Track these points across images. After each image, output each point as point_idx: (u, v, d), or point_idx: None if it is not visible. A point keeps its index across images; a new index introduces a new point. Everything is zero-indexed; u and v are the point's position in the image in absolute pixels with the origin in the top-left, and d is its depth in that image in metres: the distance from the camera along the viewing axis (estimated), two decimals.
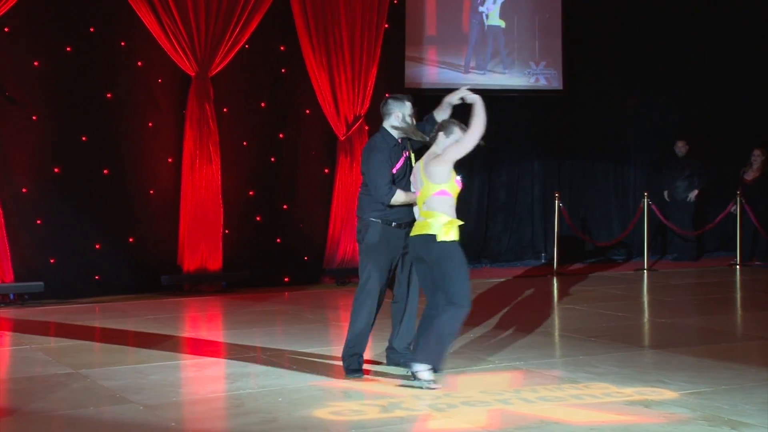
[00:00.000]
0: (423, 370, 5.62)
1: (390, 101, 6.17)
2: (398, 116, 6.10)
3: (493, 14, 12.22)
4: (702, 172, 12.68)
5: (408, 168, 6.16)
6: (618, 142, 13.11)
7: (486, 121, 5.81)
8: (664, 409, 5.19)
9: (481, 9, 12.18)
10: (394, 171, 6.05)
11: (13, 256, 9.03)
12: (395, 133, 6.13)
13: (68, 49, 9.43)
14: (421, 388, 5.60)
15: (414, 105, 6.21)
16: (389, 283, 6.15)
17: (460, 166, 5.94)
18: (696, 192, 12.64)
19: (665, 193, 12.84)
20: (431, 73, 12.03)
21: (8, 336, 7.70)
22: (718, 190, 12.70)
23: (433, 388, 5.60)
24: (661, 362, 6.44)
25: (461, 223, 5.76)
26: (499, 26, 12.25)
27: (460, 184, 5.86)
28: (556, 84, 12.58)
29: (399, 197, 5.98)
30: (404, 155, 6.15)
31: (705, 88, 13.17)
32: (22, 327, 7.96)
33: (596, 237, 12.91)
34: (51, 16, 9.35)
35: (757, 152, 12.56)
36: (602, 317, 8.34)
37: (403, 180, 6.09)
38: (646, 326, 8.22)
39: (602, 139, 13.04)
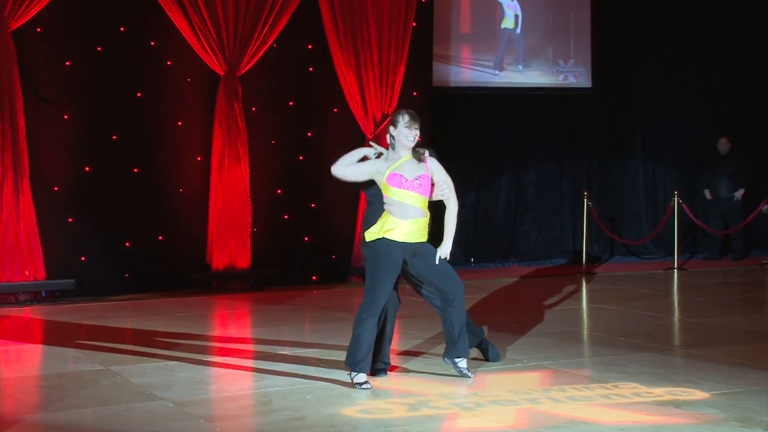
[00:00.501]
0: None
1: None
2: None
3: (521, 13, 12.20)
4: (746, 170, 12.43)
5: None
6: (648, 140, 13.01)
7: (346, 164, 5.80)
8: (695, 410, 5.14)
9: (510, 8, 12.16)
10: None
11: (45, 253, 9.13)
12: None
13: (99, 48, 9.51)
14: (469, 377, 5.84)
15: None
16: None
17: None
18: (742, 191, 12.35)
19: (706, 192, 12.64)
20: (459, 71, 12.00)
21: (40, 333, 7.79)
22: (759, 188, 12.50)
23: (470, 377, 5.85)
24: (691, 362, 6.37)
25: (394, 227, 5.62)
26: (528, 24, 12.23)
27: (413, 187, 5.65)
28: (585, 82, 12.50)
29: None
30: None
31: (738, 84, 13.02)
32: (53, 324, 8.05)
33: (625, 236, 12.82)
34: (82, 16, 9.44)
35: None
36: (631, 317, 8.28)
37: None
38: (677, 326, 8.15)
39: (632, 137, 12.95)
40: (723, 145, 12.55)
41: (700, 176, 12.83)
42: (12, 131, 8.90)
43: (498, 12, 12.18)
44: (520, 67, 12.25)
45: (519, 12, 12.18)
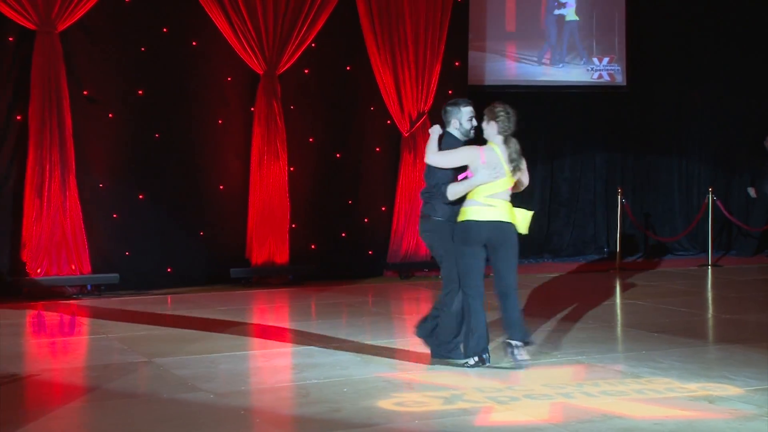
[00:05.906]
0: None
1: (447, 109, 6.28)
2: (455, 124, 6.24)
3: (569, 11, 12.26)
4: None
5: None
6: (682, 137, 12.95)
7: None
8: (729, 405, 5.15)
9: (556, 8, 12.20)
10: (465, 174, 6.17)
11: (91, 248, 9.33)
12: (459, 136, 6.27)
13: (143, 49, 9.70)
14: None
15: (472, 104, 6.30)
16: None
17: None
18: None
19: (750, 190, 12.53)
20: (495, 69, 12.04)
21: (86, 325, 7.99)
22: None
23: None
24: (725, 358, 6.37)
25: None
26: (573, 21, 12.26)
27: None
28: (620, 79, 12.49)
29: (455, 188, 6.13)
30: None
31: None
32: (98, 317, 8.21)
33: (659, 232, 12.79)
34: (127, 17, 9.63)
35: None
36: (665, 312, 8.28)
37: None
38: (710, 322, 8.13)
39: (666, 135, 12.89)
40: None
41: (743, 174, 12.71)
42: (59, 129, 9.12)
43: (544, 7, 12.19)
44: (553, 64, 12.26)
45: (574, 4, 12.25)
